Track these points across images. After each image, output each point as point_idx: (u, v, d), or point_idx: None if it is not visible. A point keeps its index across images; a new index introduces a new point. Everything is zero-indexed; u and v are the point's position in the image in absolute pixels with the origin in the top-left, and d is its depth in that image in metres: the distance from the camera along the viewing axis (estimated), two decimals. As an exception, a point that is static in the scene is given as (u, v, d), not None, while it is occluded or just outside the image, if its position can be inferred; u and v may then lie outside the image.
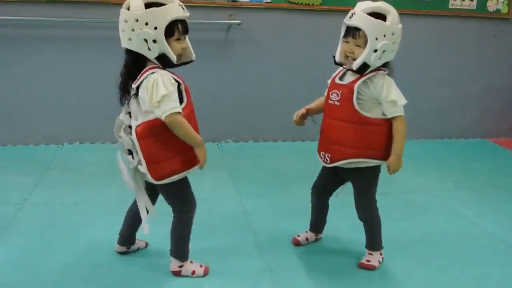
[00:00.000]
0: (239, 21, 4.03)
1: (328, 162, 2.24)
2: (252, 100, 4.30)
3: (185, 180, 2.14)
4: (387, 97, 2.11)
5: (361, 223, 2.40)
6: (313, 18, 4.15)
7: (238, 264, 2.36)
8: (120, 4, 2.00)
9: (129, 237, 2.38)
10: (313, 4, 4.12)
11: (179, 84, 2.00)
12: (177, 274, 2.24)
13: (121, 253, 2.39)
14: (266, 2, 4.11)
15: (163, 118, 1.92)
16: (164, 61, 1.98)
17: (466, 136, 4.82)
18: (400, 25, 2.10)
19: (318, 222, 2.56)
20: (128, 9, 1.93)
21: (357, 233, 2.46)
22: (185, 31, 2.03)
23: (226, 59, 4.21)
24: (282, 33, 4.19)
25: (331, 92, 2.21)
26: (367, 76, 2.13)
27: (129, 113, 2.07)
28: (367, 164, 2.22)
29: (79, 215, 2.81)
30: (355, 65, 2.09)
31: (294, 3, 4.14)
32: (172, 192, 2.15)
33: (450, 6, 4.41)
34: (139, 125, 1.97)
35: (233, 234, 2.66)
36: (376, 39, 2.02)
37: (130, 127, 2.03)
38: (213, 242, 2.55)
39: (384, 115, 2.16)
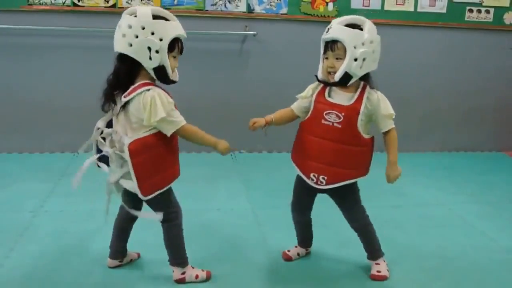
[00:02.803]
0: (255, 32, 4.05)
1: (324, 184, 2.20)
2: (266, 111, 4.28)
3: (169, 188, 2.16)
4: (386, 111, 2.12)
5: (381, 242, 2.40)
6: (329, 30, 4.15)
7: (250, 275, 2.35)
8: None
9: (121, 249, 2.38)
10: (328, 16, 4.13)
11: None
12: (181, 281, 2.24)
13: (114, 267, 2.37)
14: (281, 14, 4.13)
15: (169, 134, 1.99)
16: (160, 74, 1.98)
17: (482, 149, 4.78)
18: (379, 36, 2.10)
19: (306, 237, 2.54)
20: (134, 16, 1.93)
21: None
22: (182, 51, 2.06)
23: (242, 69, 4.23)
24: (297, 44, 4.20)
25: (325, 112, 2.15)
26: (364, 95, 2.13)
27: (108, 123, 2.10)
28: (353, 180, 2.25)
29: (93, 223, 2.83)
30: (337, 76, 2.08)
31: (310, 14, 4.15)
32: (158, 202, 2.14)
33: (466, 19, 4.40)
34: (132, 142, 1.97)
35: (245, 244, 2.66)
36: (355, 47, 2.02)
37: (116, 141, 2.04)
38: (226, 252, 2.55)
39: (367, 134, 2.17)
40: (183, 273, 2.25)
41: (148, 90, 1.95)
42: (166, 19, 1.95)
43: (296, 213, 2.46)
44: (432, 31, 4.40)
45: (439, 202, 3.38)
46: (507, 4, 4.43)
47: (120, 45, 1.97)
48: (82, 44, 4.00)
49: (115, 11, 3.92)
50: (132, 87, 1.98)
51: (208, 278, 2.28)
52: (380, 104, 2.12)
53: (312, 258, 2.54)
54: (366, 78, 2.16)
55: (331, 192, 2.29)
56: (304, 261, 2.51)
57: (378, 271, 2.36)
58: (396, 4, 4.27)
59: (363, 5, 4.21)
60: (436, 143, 4.68)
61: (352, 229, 2.37)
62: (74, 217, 2.91)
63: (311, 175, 2.21)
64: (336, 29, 2.07)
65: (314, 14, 4.15)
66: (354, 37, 2.03)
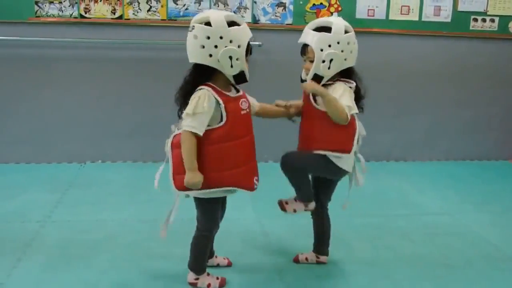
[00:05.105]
0: (260, 43, 4.07)
1: None
2: (272, 120, 4.32)
3: (214, 201, 2.16)
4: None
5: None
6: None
7: (257, 285, 2.36)
8: (143, 26, 2.04)
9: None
10: (333, 26, 4.15)
11: (219, 104, 2.02)
12: (193, 285, 2.27)
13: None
14: (286, 24, 4.16)
15: (181, 130, 2.00)
16: (240, 79, 2.05)
17: (488, 158, 4.77)
18: (348, 34, 2.18)
19: (317, 240, 2.54)
20: (208, 24, 1.95)
21: (378, 255, 2.44)
22: (251, 52, 2.12)
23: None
24: (303, 54, 4.22)
25: None
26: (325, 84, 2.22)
27: None
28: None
29: (100, 233, 2.84)
30: (308, 78, 2.22)
31: (315, 24, 4.18)
32: (198, 206, 2.18)
33: (471, 28, 4.41)
34: (176, 134, 2.04)
35: (252, 254, 2.66)
36: (321, 50, 2.14)
37: None
38: (232, 262, 2.55)
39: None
40: (197, 278, 2.27)
41: (200, 89, 2.01)
42: (238, 24, 2.01)
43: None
44: (436, 40, 4.41)
45: (444, 211, 3.37)
46: (512, 13, 4.44)
47: (198, 56, 1.99)
48: (89, 55, 4.03)
49: (121, 23, 3.96)
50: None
51: (221, 287, 2.30)
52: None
53: (326, 270, 2.52)
54: (349, 74, 2.26)
55: None
56: (316, 272, 2.49)
57: (286, 203, 2.50)
58: (401, 14, 4.29)
59: (368, 15, 4.23)
60: (441, 152, 4.67)
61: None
62: (81, 227, 2.93)
63: None
64: (305, 33, 2.22)
65: (319, 24, 4.17)
66: (319, 40, 2.15)
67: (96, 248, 2.66)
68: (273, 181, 3.84)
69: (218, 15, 1.97)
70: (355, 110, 2.19)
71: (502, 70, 4.58)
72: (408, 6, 4.29)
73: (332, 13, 4.18)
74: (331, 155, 2.24)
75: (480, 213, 3.36)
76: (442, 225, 3.14)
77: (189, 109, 1.97)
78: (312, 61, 2.18)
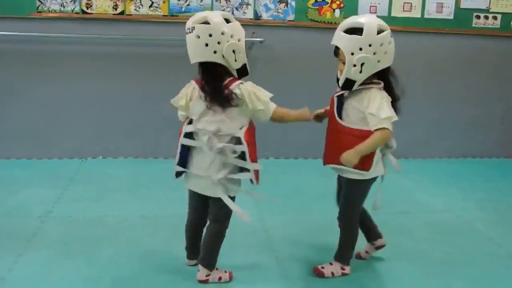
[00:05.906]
0: (262, 39, 4.06)
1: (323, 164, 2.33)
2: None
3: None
4: (367, 109, 2.12)
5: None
6: (336, 36, 4.16)
7: (258, 282, 2.36)
8: (145, 22, 2.03)
9: (194, 249, 2.40)
10: (335, 23, 4.14)
11: None
12: (204, 282, 2.28)
13: (193, 266, 2.40)
14: (288, 20, 4.15)
15: (268, 117, 2.18)
16: (242, 72, 2.13)
17: (490, 156, 4.76)
18: (381, 35, 2.06)
19: (364, 231, 2.51)
20: (207, 23, 2.00)
21: (380, 252, 2.43)
22: None
23: (249, 76, 4.23)
24: (304, 51, 4.21)
25: None
26: (357, 89, 2.15)
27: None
28: (353, 175, 2.21)
29: (101, 228, 2.84)
30: (340, 82, 2.15)
31: (317, 21, 4.17)
32: (225, 205, 2.19)
33: (473, 25, 4.40)
34: (245, 133, 2.10)
35: (253, 250, 2.66)
36: (352, 54, 2.05)
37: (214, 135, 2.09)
38: (234, 259, 2.54)
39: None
40: (208, 275, 2.29)
41: (241, 83, 2.08)
42: (230, 21, 2.06)
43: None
44: (439, 37, 4.40)
45: (447, 209, 3.37)
46: (515, 11, 4.43)
47: (203, 55, 2.03)
48: (90, 51, 4.02)
49: (123, 19, 3.95)
50: (223, 84, 2.07)
51: (230, 279, 2.32)
52: (364, 101, 2.14)
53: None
54: (385, 74, 2.19)
55: (343, 183, 2.34)
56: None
57: (322, 267, 2.37)
58: (403, 11, 4.28)
59: (370, 12, 4.21)
60: (444, 149, 4.67)
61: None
62: (83, 222, 2.93)
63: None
64: (336, 35, 2.11)
65: (321, 21, 4.16)
66: (350, 43, 2.05)
67: (97, 243, 2.66)
68: (274, 178, 3.87)
69: (214, 14, 2.04)
70: (395, 117, 2.14)
71: (504, 67, 4.57)
72: (411, 3, 4.28)
73: (334, 10, 4.17)
74: (358, 173, 2.19)
75: (482, 211, 3.35)
76: (444, 222, 3.13)
77: (265, 98, 2.16)
78: (344, 63, 2.09)
